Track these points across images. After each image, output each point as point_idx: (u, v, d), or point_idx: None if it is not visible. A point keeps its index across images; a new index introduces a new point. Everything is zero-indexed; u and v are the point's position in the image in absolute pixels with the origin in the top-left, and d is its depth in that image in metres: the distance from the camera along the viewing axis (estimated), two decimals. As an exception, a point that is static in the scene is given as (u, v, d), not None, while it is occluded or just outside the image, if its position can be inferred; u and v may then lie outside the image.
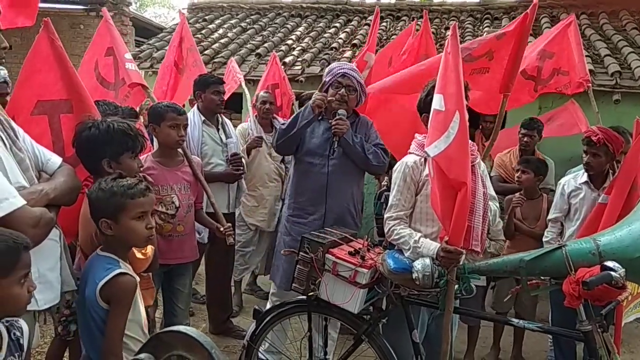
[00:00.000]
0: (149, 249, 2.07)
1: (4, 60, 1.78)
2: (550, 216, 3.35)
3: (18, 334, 1.50)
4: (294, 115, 3.00)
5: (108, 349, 1.73)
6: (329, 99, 2.94)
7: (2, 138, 1.68)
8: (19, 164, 1.69)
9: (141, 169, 2.32)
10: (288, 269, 2.84)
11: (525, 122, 4.34)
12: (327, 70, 3.07)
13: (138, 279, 1.92)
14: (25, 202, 1.54)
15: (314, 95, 2.94)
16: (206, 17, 8.75)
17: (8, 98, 3.82)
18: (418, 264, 2.12)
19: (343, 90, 2.92)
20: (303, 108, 2.96)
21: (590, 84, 3.87)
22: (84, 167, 2.09)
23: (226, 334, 3.82)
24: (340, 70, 2.94)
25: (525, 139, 4.25)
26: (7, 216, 1.47)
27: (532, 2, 3.06)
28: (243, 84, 4.79)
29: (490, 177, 4.10)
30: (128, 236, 1.82)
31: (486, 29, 7.19)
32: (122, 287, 1.76)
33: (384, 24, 7.77)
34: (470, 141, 2.19)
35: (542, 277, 2.10)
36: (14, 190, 1.54)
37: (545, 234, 3.38)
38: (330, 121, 2.91)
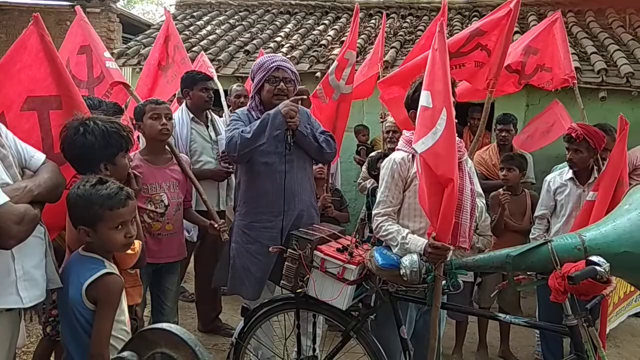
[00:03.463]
0: (137, 244, 2.05)
1: None
2: (536, 213, 3.39)
3: None
4: (258, 124, 2.70)
5: (95, 350, 1.71)
6: (265, 94, 2.81)
7: (-16, 135, 1.66)
8: (1, 160, 1.67)
9: (131, 165, 2.30)
10: (261, 277, 2.74)
11: (499, 117, 4.40)
12: (256, 66, 2.87)
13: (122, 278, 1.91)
14: (8, 199, 1.53)
15: (283, 105, 2.68)
16: (194, 14, 8.69)
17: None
18: (406, 260, 2.12)
19: (282, 84, 2.79)
20: (271, 117, 2.67)
21: (575, 81, 3.90)
22: (76, 170, 2.05)
23: (215, 331, 3.81)
24: (273, 64, 2.79)
25: (503, 133, 4.31)
26: (-10, 213, 1.45)
27: None
28: (215, 77, 4.68)
29: (476, 175, 4.15)
30: (106, 245, 1.79)
31: (474, 26, 7.22)
32: (110, 287, 1.74)
33: (373, 21, 7.78)
34: (457, 138, 2.20)
35: (528, 273, 2.11)
36: (-3, 187, 1.52)
37: (532, 230, 3.42)
38: None
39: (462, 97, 3.92)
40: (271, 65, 2.78)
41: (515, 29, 6.61)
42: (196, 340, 1.55)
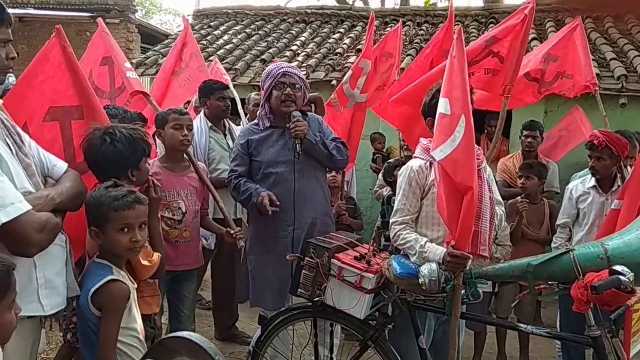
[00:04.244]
0: (155, 255, 2.06)
1: (11, 70, 1.79)
2: (558, 221, 3.34)
3: None
4: (244, 197, 2.82)
5: (101, 355, 1.74)
6: (274, 101, 2.82)
7: (8, 144, 1.69)
8: (24, 169, 1.69)
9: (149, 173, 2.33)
10: (281, 287, 2.75)
11: (526, 124, 4.35)
12: (264, 75, 2.90)
13: (135, 285, 1.92)
14: (31, 207, 1.54)
15: (261, 198, 2.72)
16: (211, 24, 8.79)
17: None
18: (424, 269, 2.10)
19: (289, 89, 2.80)
20: (250, 203, 2.79)
21: (597, 87, 3.85)
22: (98, 179, 2.06)
23: (232, 339, 3.81)
24: (280, 71, 2.81)
25: (529, 139, 4.25)
26: (13, 221, 1.47)
27: (530, 4, 3.06)
28: (231, 85, 4.67)
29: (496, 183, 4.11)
30: (112, 247, 1.81)
31: (491, 33, 7.17)
32: (113, 295, 1.75)
33: (388, 29, 7.78)
34: (476, 145, 2.18)
35: (550, 282, 2.08)
36: (20, 195, 1.54)
37: (554, 239, 3.37)
38: (288, 125, 2.78)
39: (479, 104, 3.88)
40: (278, 72, 2.81)
41: (533, 35, 6.59)
42: (216, 349, 1.55)
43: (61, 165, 1.90)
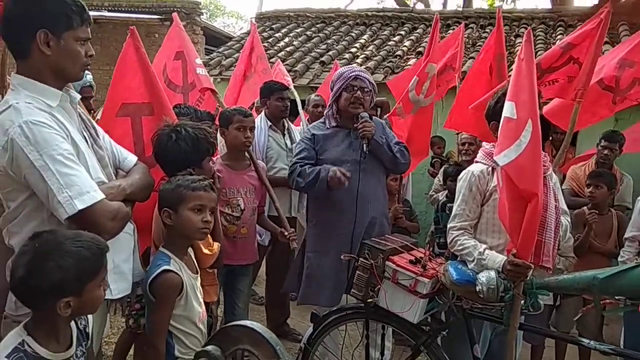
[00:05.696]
0: (215, 245, 2.13)
1: (88, 67, 1.90)
2: (627, 234, 3.17)
3: (84, 322, 1.57)
4: (312, 176, 2.79)
5: (150, 340, 1.84)
6: (343, 102, 2.86)
7: (85, 137, 1.79)
8: (99, 161, 1.79)
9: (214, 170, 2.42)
10: (337, 284, 2.77)
11: (607, 134, 4.10)
12: (336, 76, 2.96)
13: (197, 275, 1.98)
14: (104, 196, 1.63)
15: (332, 171, 2.71)
16: (273, 26, 8.96)
17: (92, 101, 4.08)
18: (482, 277, 2.05)
19: (359, 92, 2.85)
20: (320, 179, 2.75)
21: (674, 95, 3.61)
22: (166, 173, 2.16)
23: (283, 336, 3.85)
24: (352, 74, 2.87)
25: (606, 151, 4.02)
26: (88, 208, 1.56)
27: (606, 8, 2.95)
28: (291, 85, 4.71)
29: (562, 191, 3.93)
30: (183, 226, 1.89)
31: (559, 36, 6.90)
32: (164, 284, 1.83)
33: (450, 31, 7.64)
34: (542, 152, 2.11)
35: (617, 297, 1.98)
36: (95, 184, 1.64)
37: (622, 253, 3.20)
38: (356, 125, 2.82)
39: (549, 116, 3.73)
40: (350, 75, 2.87)
41: (605, 39, 6.27)
42: (277, 340, 1.58)
43: (131, 159, 2.00)
